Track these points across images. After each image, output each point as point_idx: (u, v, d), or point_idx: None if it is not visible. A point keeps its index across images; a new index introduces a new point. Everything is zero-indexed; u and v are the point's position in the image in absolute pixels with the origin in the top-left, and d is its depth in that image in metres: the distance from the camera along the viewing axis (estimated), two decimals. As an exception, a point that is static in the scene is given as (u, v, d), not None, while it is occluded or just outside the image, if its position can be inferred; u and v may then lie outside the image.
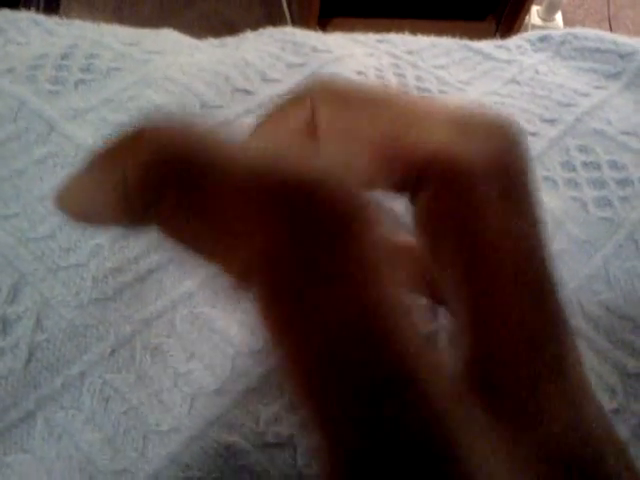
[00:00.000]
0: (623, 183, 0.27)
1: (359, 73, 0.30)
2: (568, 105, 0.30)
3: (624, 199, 0.26)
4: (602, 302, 0.23)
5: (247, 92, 0.29)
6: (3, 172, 0.25)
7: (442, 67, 0.32)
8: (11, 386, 0.20)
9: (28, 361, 0.20)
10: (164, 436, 0.19)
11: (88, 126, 0.26)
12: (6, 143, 0.26)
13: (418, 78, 0.31)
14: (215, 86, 0.28)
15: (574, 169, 0.27)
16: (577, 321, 0.23)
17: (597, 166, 0.27)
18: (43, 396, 0.19)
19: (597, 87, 0.32)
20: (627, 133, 0.29)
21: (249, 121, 0.27)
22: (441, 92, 0.31)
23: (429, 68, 0.32)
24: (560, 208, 0.26)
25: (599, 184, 0.27)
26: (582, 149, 0.28)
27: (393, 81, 0.31)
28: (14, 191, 0.24)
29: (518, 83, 0.32)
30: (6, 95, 0.27)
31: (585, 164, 0.27)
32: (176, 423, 0.19)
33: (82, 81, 0.28)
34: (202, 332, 0.21)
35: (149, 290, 0.22)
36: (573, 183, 0.27)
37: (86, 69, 0.28)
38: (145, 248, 0.23)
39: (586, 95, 0.30)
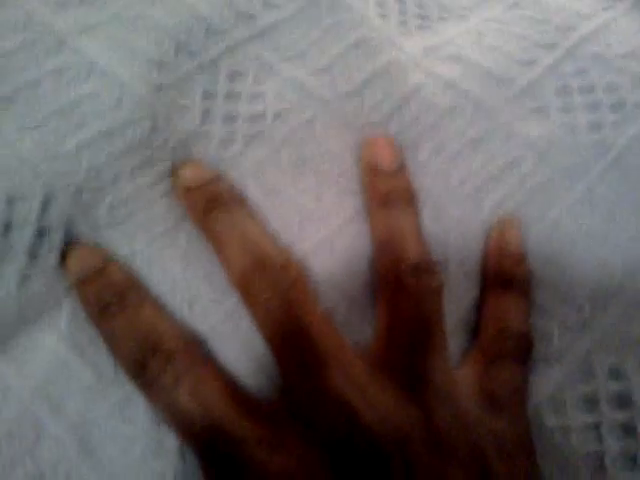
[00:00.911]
0: (616, 106, 0.27)
1: (360, -1, 0.30)
2: (568, 29, 0.29)
3: (615, 123, 0.26)
4: (583, 226, 0.24)
5: (250, 16, 0.29)
6: (18, 82, 0.25)
7: (446, -8, 0.32)
8: (46, 280, 0.22)
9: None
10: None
11: (98, 42, 0.27)
12: (17, 53, 0.26)
13: (419, 5, 0.31)
14: (219, 9, 0.28)
15: (570, 94, 0.27)
16: (553, 246, 0.24)
17: (591, 89, 0.28)
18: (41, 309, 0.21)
19: (604, 8, 0.31)
20: (626, 56, 0.28)
21: (251, 49, 0.27)
22: (441, 19, 0.31)
23: (432, -7, 0.32)
24: (546, 138, 0.26)
25: (592, 107, 0.27)
26: (578, 73, 0.28)
27: (395, 9, 0.31)
28: (31, 102, 0.25)
29: (520, 7, 0.32)
30: (13, 6, 0.27)
31: (580, 88, 0.28)
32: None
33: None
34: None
35: None
36: (566, 109, 0.27)
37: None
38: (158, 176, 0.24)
39: (589, 17, 0.30)
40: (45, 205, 0.23)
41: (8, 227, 0.22)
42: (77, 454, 0.20)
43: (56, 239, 0.22)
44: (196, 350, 0.21)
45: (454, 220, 0.24)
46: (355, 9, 0.29)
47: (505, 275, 0.22)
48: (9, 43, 0.26)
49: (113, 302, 0.21)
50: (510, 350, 0.21)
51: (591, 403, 0.21)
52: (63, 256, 0.22)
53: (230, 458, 0.18)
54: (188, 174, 0.23)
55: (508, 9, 0.32)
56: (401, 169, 0.24)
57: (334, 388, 0.19)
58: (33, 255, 0.22)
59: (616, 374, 0.22)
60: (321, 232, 0.23)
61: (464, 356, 0.22)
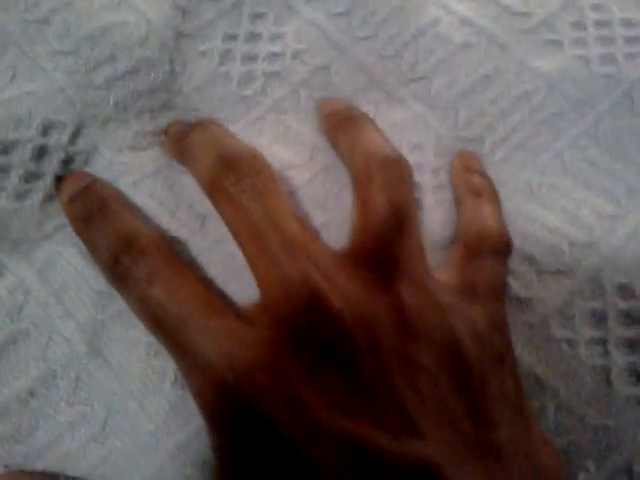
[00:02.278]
0: (632, 40, 0.27)
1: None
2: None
3: (629, 56, 0.26)
4: (586, 157, 0.25)
5: None
6: (53, 2, 0.27)
7: None
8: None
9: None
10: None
11: None
12: None
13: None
14: None
15: (585, 28, 0.27)
16: (555, 177, 0.24)
17: (608, 23, 0.27)
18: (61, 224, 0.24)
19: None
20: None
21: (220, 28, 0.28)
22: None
23: None
24: (559, 70, 0.26)
25: (607, 41, 0.27)
26: (596, 7, 0.28)
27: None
28: (64, 26, 0.27)
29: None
30: None
31: (597, 22, 0.27)
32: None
33: None
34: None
35: None
36: (581, 42, 0.27)
37: None
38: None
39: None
40: (76, 133, 0.25)
41: (43, 151, 0.24)
42: (86, 355, 0.22)
43: (80, 165, 0.25)
44: (171, 248, 0.22)
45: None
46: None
47: (475, 186, 0.23)
48: None
49: (94, 210, 0.22)
50: (490, 246, 0.22)
51: (599, 318, 0.22)
52: (58, 182, 0.24)
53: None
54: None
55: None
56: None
57: (301, 272, 0.19)
58: (58, 179, 0.24)
59: (624, 292, 0.22)
60: (326, 160, 0.25)
61: (444, 256, 0.23)
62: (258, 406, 0.17)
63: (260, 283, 0.20)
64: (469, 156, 0.25)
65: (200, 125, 0.24)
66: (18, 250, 0.23)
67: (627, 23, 0.27)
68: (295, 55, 0.27)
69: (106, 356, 0.22)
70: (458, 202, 0.24)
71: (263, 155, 0.23)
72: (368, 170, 0.22)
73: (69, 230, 0.23)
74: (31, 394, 0.21)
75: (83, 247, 0.23)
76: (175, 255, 0.21)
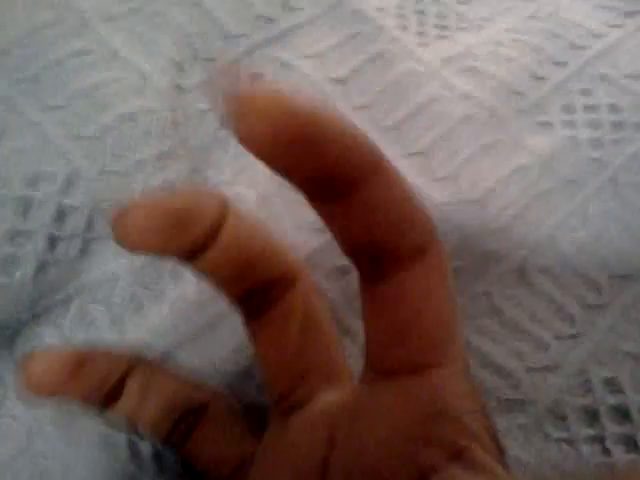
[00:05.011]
0: (617, 126, 0.28)
1: (379, 10, 0.31)
2: (580, 48, 0.31)
3: (615, 141, 0.28)
4: (575, 239, 0.26)
5: (269, 19, 0.30)
6: (43, 61, 0.27)
7: (465, 2, 0.33)
8: (62, 272, 0.23)
9: (81, 251, 0.23)
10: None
11: (120, 33, 0.28)
12: (42, 30, 0.27)
13: (438, 15, 0.33)
14: (238, 13, 0.30)
15: (574, 111, 0.29)
16: (547, 258, 0.25)
17: (596, 108, 0.29)
18: (82, 285, 0.23)
19: (613, 25, 0.32)
20: (631, 76, 0.30)
21: (270, 51, 0.29)
22: (460, 29, 0.32)
23: (452, 3, 0.33)
24: (552, 148, 0.28)
25: (595, 125, 0.29)
26: (585, 93, 0.29)
27: (414, 19, 0.32)
28: (56, 81, 0.26)
29: (537, 19, 0.33)
30: None
31: (585, 107, 0.29)
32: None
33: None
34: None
35: None
36: (570, 124, 0.28)
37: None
38: (186, 173, 0.26)
39: (600, 36, 0.31)
40: (68, 184, 0.24)
41: (29, 205, 0.23)
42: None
43: (79, 223, 0.23)
44: None
45: (460, 222, 0.26)
46: (375, 20, 0.31)
47: None
48: (36, 20, 0.27)
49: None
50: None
51: (592, 415, 0.22)
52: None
53: None
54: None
55: (526, 20, 0.33)
56: None
57: None
58: (52, 240, 0.23)
59: (612, 387, 0.23)
60: None
61: None
62: None
63: None
64: None
65: None
66: None
67: (613, 108, 0.29)
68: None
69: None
70: None
71: None
72: None
73: (59, 312, 0.22)
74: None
75: (68, 337, 0.22)
76: None
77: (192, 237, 0.15)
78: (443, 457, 0.14)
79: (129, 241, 0.14)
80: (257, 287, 0.17)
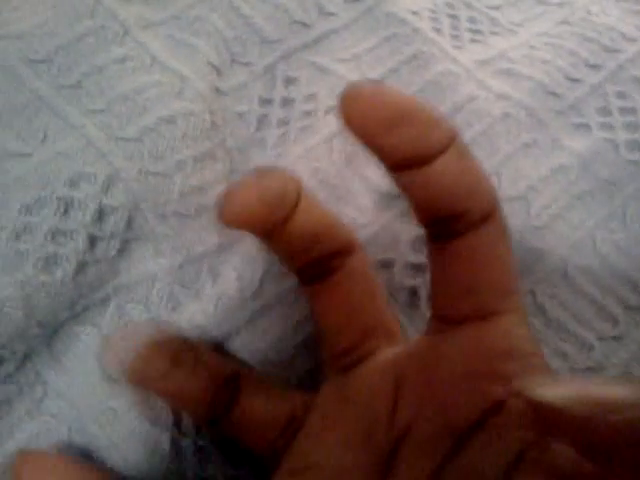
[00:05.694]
0: (655, 130, 0.28)
1: (414, 13, 0.31)
2: (614, 51, 0.31)
3: (653, 145, 0.28)
4: (615, 241, 0.25)
5: (304, 25, 0.30)
6: (85, 67, 0.27)
7: (496, 8, 0.33)
8: (101, 271, 0.23)
9: (120, 251, 0.23)
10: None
11: (159, 39, 0.28)
12: (84, 38, 0.27)
13: (471, 19, 0.33)
14: (274, 19, 0.30)
15: (610, 114, 0.29)
16: (587, 258, 0.25)
17: (633, 111, 0.29)
18: (121, 284, 0.23)
19: (646, 30, 0.32)
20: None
21: (306, 55, 0.29)
22: (493, 33, 0.32)
23: (483, 9, 0.33)
24: (590, 150, 0.28)
25: (633, 128, 0.28)
26: (620, 95, 0.29)
27: (447, 23, 0.32)
28: (97, 87, 0.26)
29: (569, 24, 0.33)
30: None
31: (622, 109, 0.29)
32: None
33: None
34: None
35: None
36: (607, 126, 0.28)
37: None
38: (225, 174, 0.26)
39: (633, 40, 0.31)
40: (108, 185, 0.24)
41: (70, 206, 0.23)
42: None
43: (119, 223, 0.23)
44: None
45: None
46: (409, 22, 0.31)
47: None
48: (78, 28, 0.28)
49: None
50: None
51: None
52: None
53: None
54: None
55: (558, 25, 0.33)
56: None
57: None
58: (92, 239, 0.23)
59: None
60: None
61: None
62: None
63: None
64: None
65: None
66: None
67: (650, 112, 0.29)
68: (328, 111, 0.28)
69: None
70: None
71: None
72: None
73: (97, 311, 0.22)
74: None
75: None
76: None
77: (284, 212, 0.17)
78: (506, 393, 0.16)
79: (239, 218, 0.17)
80: (324, 255, 0.19)
